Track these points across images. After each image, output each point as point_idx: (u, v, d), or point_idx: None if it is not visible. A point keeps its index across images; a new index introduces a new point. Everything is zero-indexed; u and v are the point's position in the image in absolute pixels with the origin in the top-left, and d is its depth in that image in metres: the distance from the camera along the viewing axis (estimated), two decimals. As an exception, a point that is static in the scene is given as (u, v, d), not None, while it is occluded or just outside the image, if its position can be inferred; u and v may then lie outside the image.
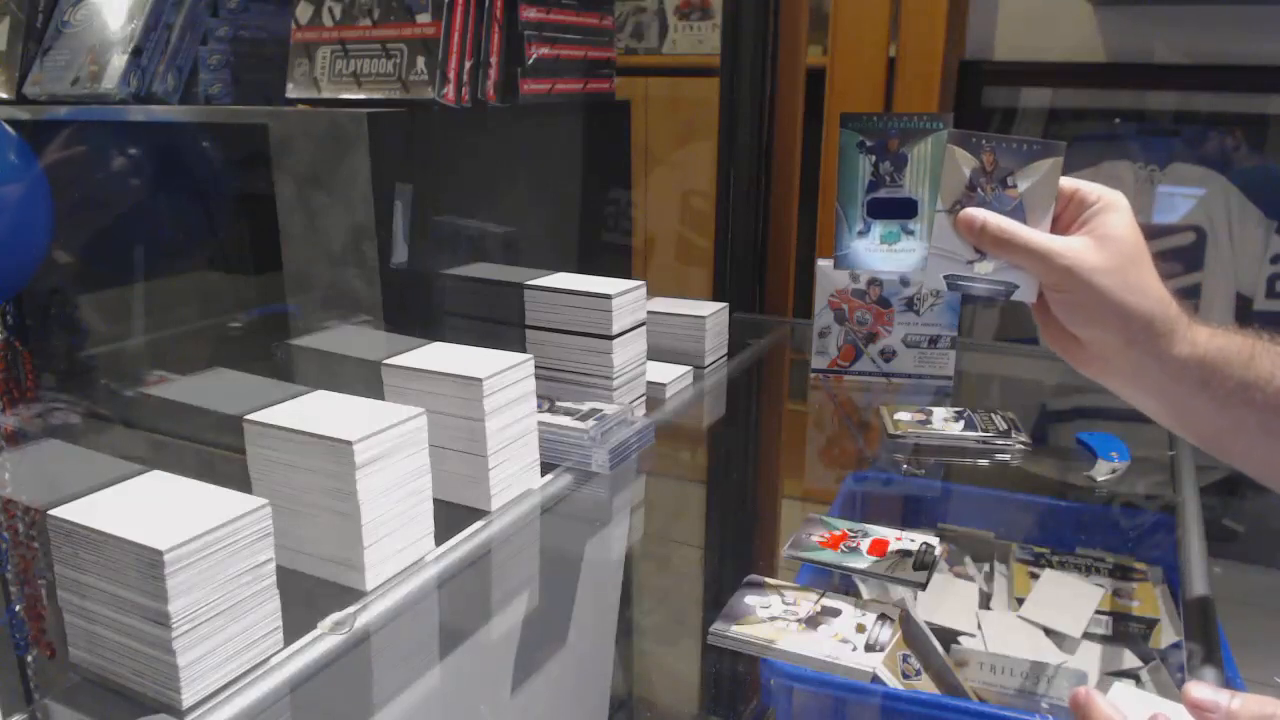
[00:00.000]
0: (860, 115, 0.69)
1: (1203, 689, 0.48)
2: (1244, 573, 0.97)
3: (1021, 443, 1.02)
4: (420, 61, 0.92)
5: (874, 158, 0.70)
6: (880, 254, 0.70)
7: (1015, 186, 0.63)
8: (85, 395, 1.16)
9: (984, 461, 1.01)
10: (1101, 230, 0.60)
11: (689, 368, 1.08)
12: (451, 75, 0.92)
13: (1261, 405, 0.59)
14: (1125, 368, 0.62)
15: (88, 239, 1.19)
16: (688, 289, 2.42)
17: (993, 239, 0.62)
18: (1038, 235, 0.61)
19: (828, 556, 0.80)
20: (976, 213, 0.63)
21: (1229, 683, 0.65)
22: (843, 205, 0.70)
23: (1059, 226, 0.63)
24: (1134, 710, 0.49)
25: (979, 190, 0.64)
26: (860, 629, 0.70)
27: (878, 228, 0.70)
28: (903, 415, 1.07)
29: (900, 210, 0.70)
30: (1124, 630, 0.83)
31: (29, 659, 0.94)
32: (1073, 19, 1.91)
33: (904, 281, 0.87)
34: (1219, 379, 0.60)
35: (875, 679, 0.65)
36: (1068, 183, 0.63)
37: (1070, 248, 0.60)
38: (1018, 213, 0.63)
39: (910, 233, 0.69)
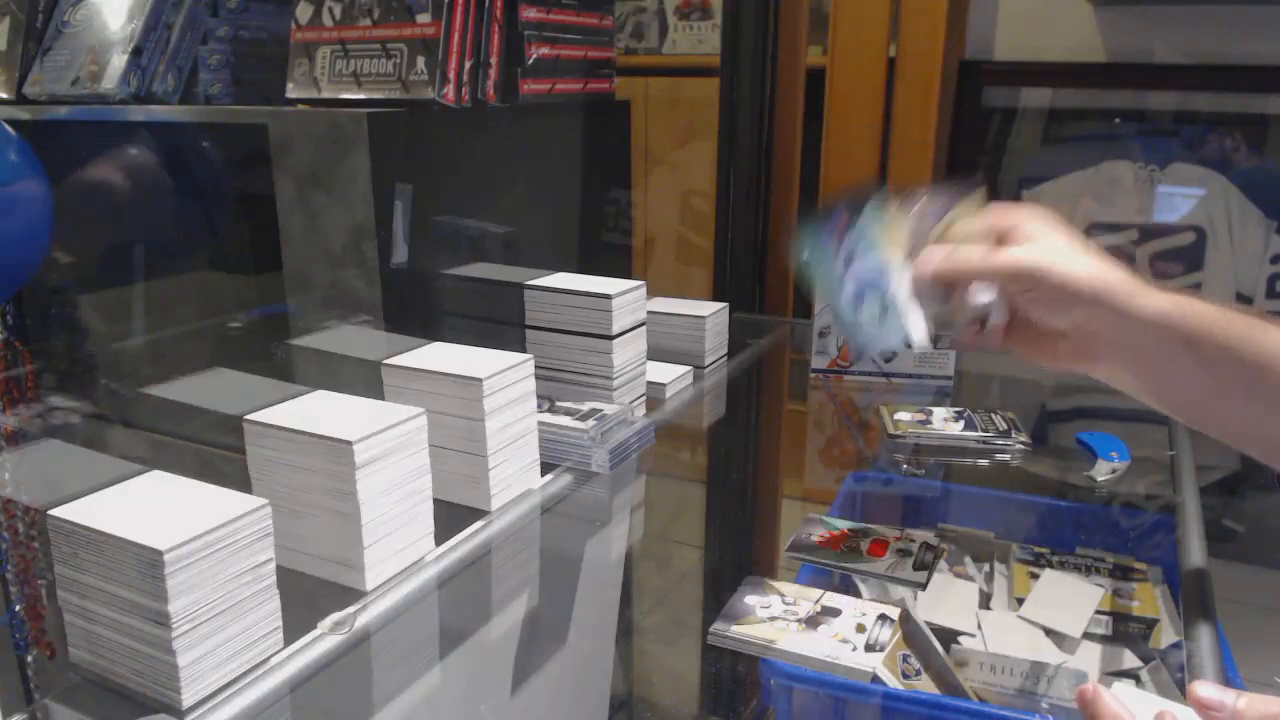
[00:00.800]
0: (804, 224, 0.73)
1: (1209, 688, 0.48)
2: (1244, 573, 0.97)
3: (1021, 443, 1.02)
4: (420, 61, 0.92)
5: (835, 246, 0.72)
6: (878, 334, 0.71)
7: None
8: (85, 395, 1.16)
9: (984, 461, 1.01)
10: (1033, 234, 0.64)
11: (689, 368, 1.08)
12: (451, 75, 0.92)
13: (1247, 361, 0.61)
14: (1107, 347, 0.65)
15: (88, 239, 1.19)
16: (688, 289, 2.41)
17: (949, 273, 0.65)
18: (989, 253, 0.64)
19: (828, 556, 0.80)
20: (922, 259, 0.66)
21: (1229, 683, 0.65)
22: (831, 305, 0.72)
23: None
24: (1139, 708, 0.49)
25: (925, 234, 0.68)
26: (860, 629, 0.70)
27: (864, 312, 0.71)
28: (903, 415, 1.07)
29: (874, 284, 0.72)
30: (1124, 630, 0.83)
31: (29, 659, 0.94)
32: (1073, 19, 1.91)
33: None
34: (1200, 339, 0.62)
35: (875, 679, 0.65)
36: (982, 217, 0.67)
37: (1025, 251, 0.63)
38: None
39: (888, 306, 0.71)
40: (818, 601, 0.73)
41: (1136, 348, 0.64)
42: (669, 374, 1.04)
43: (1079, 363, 0.67)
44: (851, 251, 0.70)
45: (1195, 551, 0.80)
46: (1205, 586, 0.74)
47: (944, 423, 1.05)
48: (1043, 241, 0.63)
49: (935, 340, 0.68)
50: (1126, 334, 0.63)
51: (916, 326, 0.67)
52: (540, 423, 0.82)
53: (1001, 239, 0.65)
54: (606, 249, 1.26)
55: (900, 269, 0.67)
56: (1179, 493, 0.91)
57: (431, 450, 0.69)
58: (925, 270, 0.66)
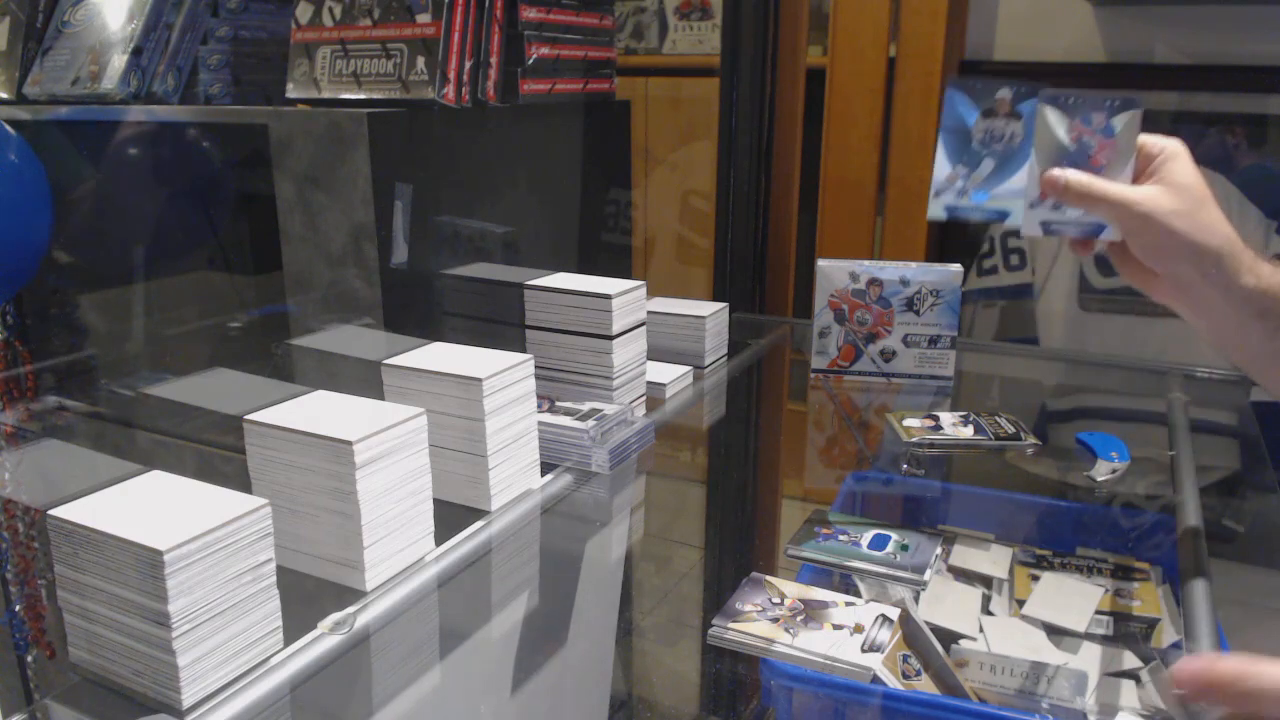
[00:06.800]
0: (968, 80, 0.77)
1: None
2: (1244, 573, 0.97)
3: (1033, 443, 1.02)
4: (420, 61, 0.92)
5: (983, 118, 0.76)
6: (980, 199, 0.75)
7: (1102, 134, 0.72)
8: (85, 395, 1.16)
9: (992, 463, 1.02)
10: (1170, 178, 0.67)
11: (689, 368, 1.08)
12: (451, 75, 0.92)
13: None
14: (1196, 296, 0.70)
15: (88, 239, 1.19)
16: (688, 289, 2.42)
17: (1076, 195, 0.70)
18: (1115, 187, 0.69)
19: (829, 555, 0.80)
20: (1058, 172, 0.71)
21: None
22: (950, 151, 0.76)
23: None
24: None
25: (1069, 144, 0.72)
26: (860, 629, 0.70)
27: (980, 174, 0.76)
28: (912, 422, 1.07)
29: (1005, 165, 0.76)
30: (1124, 630, 0.82)
31: (29, 659, 0.94)
32: (1073, 19, 1.91)
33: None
34: (1276, 309, 0.67)
35: (875, 679, 0.65)
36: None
37: (1146, 195, 0.67)
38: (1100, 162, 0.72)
39: (1008, 185, 0.76)
40: (817, 601, 0.73)
41: (1220, 311, 0.69)
42: (669, 374, 1.04)
43: (1170, 303, 0.72)
44: (999, 135, 0.76)
45: (1195, 551, 0.80)
46: (1205, 586, 0.74)
47: (953, 428, 1.05)
48: (1170, 189, 0.67)
49: (1046, 229, 0.75)
50: (1209, 299, 0.68)
51: (1029, 221, 0.73)
52: (540, 423, 0.82)
53: (1140, 167, 0.70)
54: (606, 249, 1.26)
55: (1037, 168, 0.72)
56: (1179, 493, 0.91)
57: (431, 450, 0.69)
58: (1057, 184, 0.71)
